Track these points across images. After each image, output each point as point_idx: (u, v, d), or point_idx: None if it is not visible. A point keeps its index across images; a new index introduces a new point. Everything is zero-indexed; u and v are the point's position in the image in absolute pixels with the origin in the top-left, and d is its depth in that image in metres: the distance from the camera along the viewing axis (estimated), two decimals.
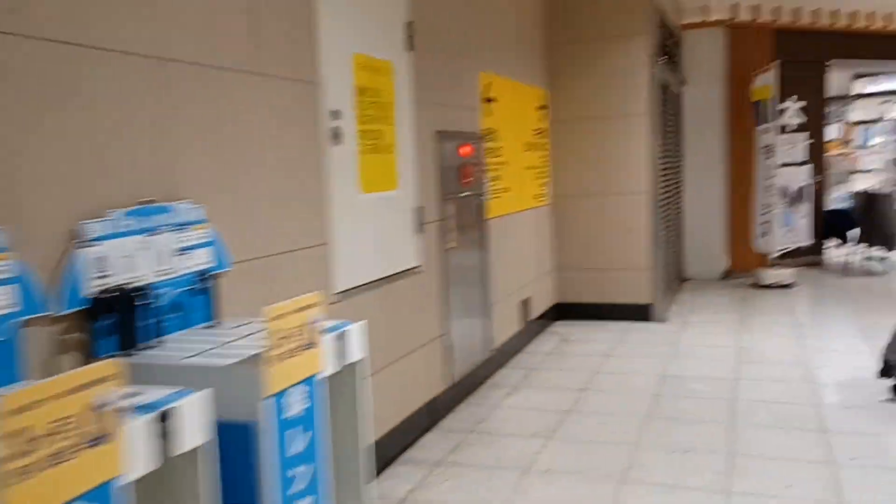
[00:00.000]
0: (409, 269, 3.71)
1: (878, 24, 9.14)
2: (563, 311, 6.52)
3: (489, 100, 4.95)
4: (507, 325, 5.33)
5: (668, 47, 7.12)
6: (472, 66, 4.69)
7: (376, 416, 3.18)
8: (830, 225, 9.14)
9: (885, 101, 13.42)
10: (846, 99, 13.66)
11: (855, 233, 8.90)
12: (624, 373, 4.88)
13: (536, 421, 3.97)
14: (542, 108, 6.21)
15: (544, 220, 6.32)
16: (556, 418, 3.98)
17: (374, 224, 3.38)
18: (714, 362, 4.99)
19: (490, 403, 4.33)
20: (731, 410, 3.99)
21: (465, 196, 4.48)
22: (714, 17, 8.12)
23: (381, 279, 3.45)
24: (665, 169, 6.94)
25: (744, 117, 8.19)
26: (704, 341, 5.62)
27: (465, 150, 4.45)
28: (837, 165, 12.14)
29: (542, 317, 6.20)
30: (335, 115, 3.03)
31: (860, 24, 8.99)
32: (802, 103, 8.23)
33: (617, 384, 4.62)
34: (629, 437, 3.67)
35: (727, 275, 8.39)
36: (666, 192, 7.02)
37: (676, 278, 7.88)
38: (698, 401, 4.20)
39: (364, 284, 3.29)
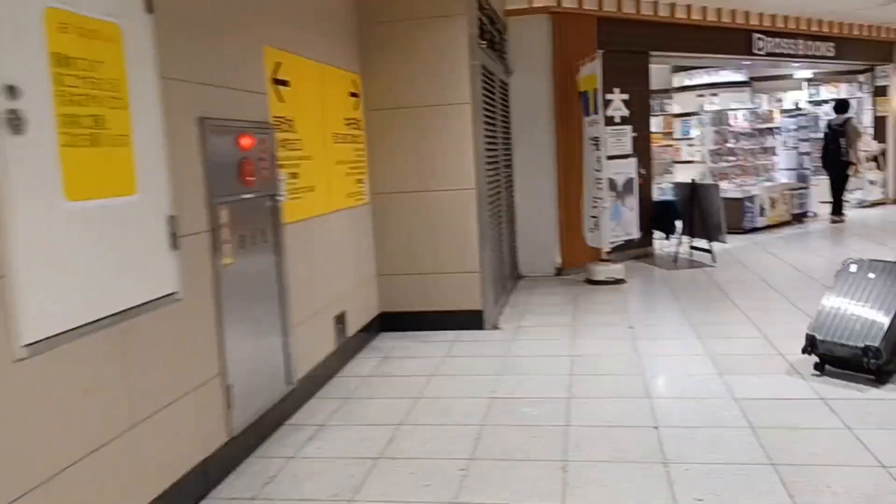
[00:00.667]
0: (160, 298, 2.84)
1: (695, 17, 9.26)
2: (389, 322, 5.85)
3: (280, 82, 4.14)
4: (316, 348, 4.56)
5: (491, 33, 6.63)
6: (253, 41, 3.86)
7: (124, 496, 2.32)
8: (657, 217, 9.16)
9: (702, 95, 13.98)
10: (667, 92, 14.10)
11: (680, 224, 8.97)
12: (448, 397, 4.27)
13: (336, 476, 3.24)
14: (355, 94, 5.47)
15: (363, 221, 5.61)
16: (362, 470, 3.27)
17: (95, 242, 2.48)
18: (546, 377, 4.50)
19: (285, 453, 3.54)
20: (564, 443, 3.47)
21: (250, 198, 3.65)
22: (538, 4, 7.77)
23: (113, 315, 2.56)
24: (493, 162, 6.45)
25: (572, 108, 7.92)
26: (536, 350, 5.16)
27: (246, 142, 3.61)
28: (660, 157, 12.42)
29: (364, 330, 5.50)
30: (11, 92, 2.12)
31: (680, 15, 9.04)
32: (625, 96, 8.10)
33: (439, 413, 4.00)
34: (444, 493, 3.03)
35: (561, 271, 8.11)
36: (495, 186, 6.53)
37: (511, 277, 7.46)
38: (528, 432, 3.66)
39: (82, 327, 2.40)
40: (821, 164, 11.73)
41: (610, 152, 7.77)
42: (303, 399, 4.28)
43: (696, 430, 3.56)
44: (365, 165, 5.65)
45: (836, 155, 11.18)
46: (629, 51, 8.63)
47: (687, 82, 14.04)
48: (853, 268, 4.42)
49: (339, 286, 5.02)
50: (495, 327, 5.83)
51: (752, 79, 14.28)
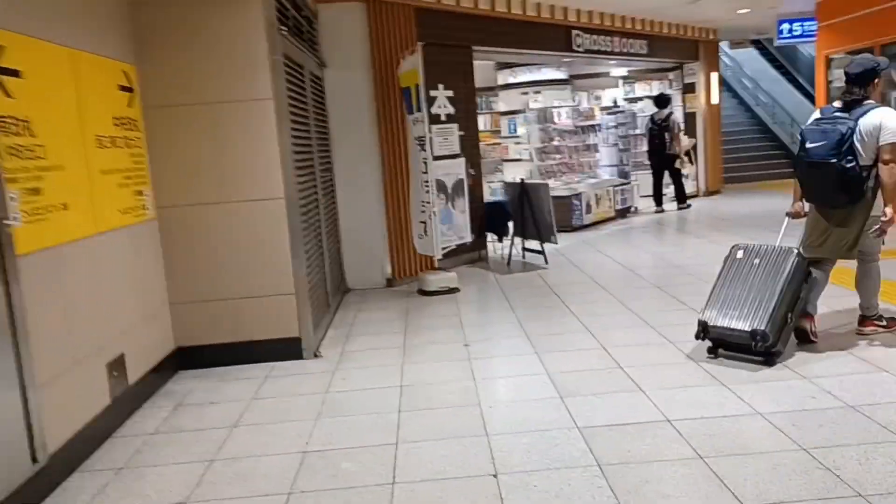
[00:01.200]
0: None
1: (516, 10, 9.03)
2: (188, 359, 4.96)
3: (6, 72, 3.18)
4: (81, 406, 3.63)
5: (296, 19, 5.89)
6: None
7: None
8: (489, 219, 8.84)
9: (525, 93, 14.01)
10: (493, 90, 13.98)
11: (513, 225, 8.71)
12: (252, 455, 3.51)
13: None
14: (127, 89, 4.53)
15: (147, 241, 4.68)
16: None
17: None
18: (371, 417, 3.87)
19: None
20: None
21: None
22: None
23: None
24: (307, 166, 5.73)
25: (395, 106, 7.36)
26: (361, 382, 4.51)
27: None
28: (490, 156, 12.23)
29: (155, 371, 4.58)
30: None
31: (500, 8, 8.76)
32: (450, 92, 7.68)
33: (238, 481, 3.23)
34: None
35: (392, 282, 7.53)
36: (311, 194, 5.81)
37: (336, 293, 6.76)
38: (345, 498, 3.01)
39: None
40: (647, 159, 12.06)
41: (437, 152, 7.30)
42: (60, 477, 3.35)
43: (539, 474, 3.07)
44: (146, 174, 4.71)
45: (661, 149, 11.52)
46: (452, 45, 8.22)
47: (511, 80, 14.00)
48: (740, 254, 4.53)
49: (115, 324, 4.09)
50: (316, 355, 5.12)
51: (572, 77, 14.55)
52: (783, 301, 4.19)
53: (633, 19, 11.28)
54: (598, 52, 10.62)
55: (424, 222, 7.21)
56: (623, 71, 14.50)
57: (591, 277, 7.25)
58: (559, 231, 8.56)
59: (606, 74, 14.57)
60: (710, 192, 13.78)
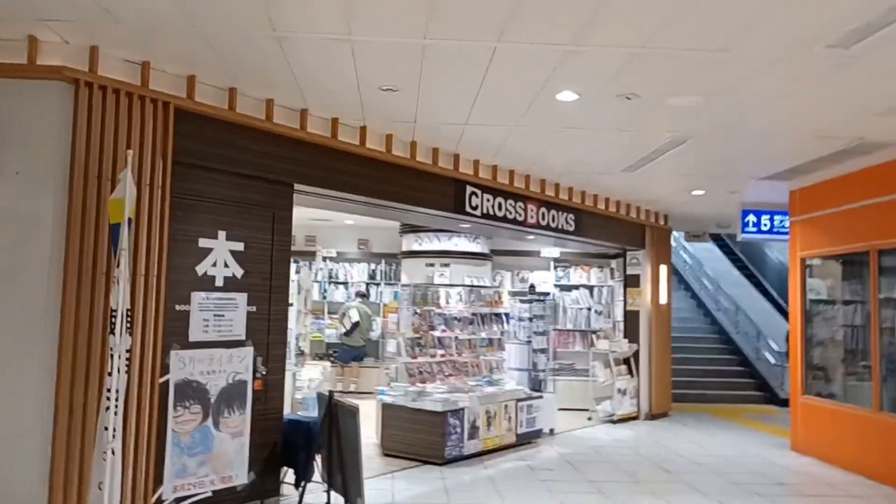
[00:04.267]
0: None
1: (373, 146, 6.36)
2: None
3: None
4: None
5: None
6: None
7: None
8: (288, 447, 5.60)
9: (431, 264, 11.29)
10: (396, 257, 11.24)
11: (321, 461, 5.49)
12: None
13: None
14: None
15: None
16: None
17: None
18: None
19: None
20: None
21: None
22: (50, 61, 4.37)
23: None
24: None
25: (99, 250, 4.39)
26: None
27: None
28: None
29: None
30: None
31: (346, 138, 6.08)
32: (237, 245, 4.80)
33: None
34: None
35: None
36: None
37: None
38: None
39: None
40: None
41: (197, 337, 4.31)
42: None
43: None
44: None
45: None
46: (255, 176, 5.44)
47: (416, 247, 11.34)
48: None
49: None
50: None
51: (494, 252, 11.93)
52: None
53: (556, 186, 8.75)
54: (505, 219, 7.93)
55: (107, 457, 3.97)
56: (556, 252, 11.94)
57: None
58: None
59: (537, 254, 11.99)
60: (654, 415, 10.68)
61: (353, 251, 13.13)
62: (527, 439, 8.35)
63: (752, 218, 9.68)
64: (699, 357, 13.93)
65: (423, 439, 7.19)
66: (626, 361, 10.69)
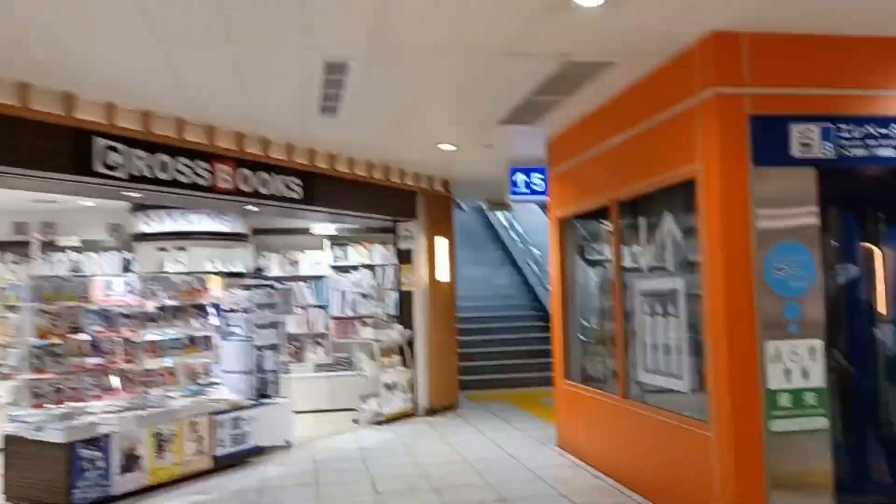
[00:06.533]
0: None
1: None
2: None
3: None
4: None
5: None
6: None
7: None
8: None
9: (163, 248, 9.40)
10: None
11: None
12: None
13: None
14: None
15: None
16: None
17: None
18: None
19: None
20: None
21: None
22: None
23: None
24: None
25: None
26: None
27: None
28: None
29: None
30: None
31: None
32: None
33: None
34: None
35: None
36: None
37: None
38: None
39: None
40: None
41: None
42: None
43: None
44: None
45: None
46: None
47: (145, 228, 9.41)
48: None
49: None
50: None
51: (256, 231, 10.17)
52: None
53: (266, 141, 7.05)
54: (175, 184, 6.15)
55: None
56: (331, 228, 10.30)
57: None
58: None
59: (307, 231, 10.31)
60: (434, 410, 9.24)
61: (106, 238, 11.00)
62: (233, 461, 6.66)
63: (521, 177, 8.33)
64: (517, 337, 12.69)
65: (43, 480, 5.37)
66: (400, 350, 9.20)
